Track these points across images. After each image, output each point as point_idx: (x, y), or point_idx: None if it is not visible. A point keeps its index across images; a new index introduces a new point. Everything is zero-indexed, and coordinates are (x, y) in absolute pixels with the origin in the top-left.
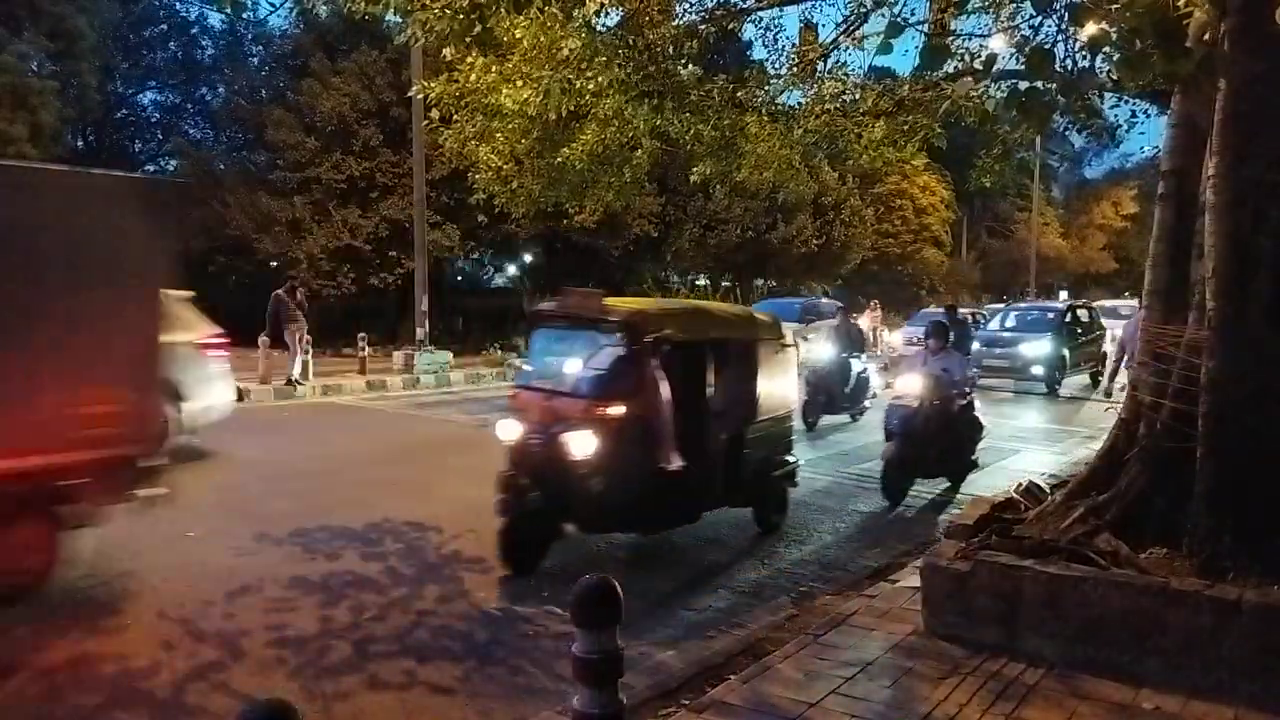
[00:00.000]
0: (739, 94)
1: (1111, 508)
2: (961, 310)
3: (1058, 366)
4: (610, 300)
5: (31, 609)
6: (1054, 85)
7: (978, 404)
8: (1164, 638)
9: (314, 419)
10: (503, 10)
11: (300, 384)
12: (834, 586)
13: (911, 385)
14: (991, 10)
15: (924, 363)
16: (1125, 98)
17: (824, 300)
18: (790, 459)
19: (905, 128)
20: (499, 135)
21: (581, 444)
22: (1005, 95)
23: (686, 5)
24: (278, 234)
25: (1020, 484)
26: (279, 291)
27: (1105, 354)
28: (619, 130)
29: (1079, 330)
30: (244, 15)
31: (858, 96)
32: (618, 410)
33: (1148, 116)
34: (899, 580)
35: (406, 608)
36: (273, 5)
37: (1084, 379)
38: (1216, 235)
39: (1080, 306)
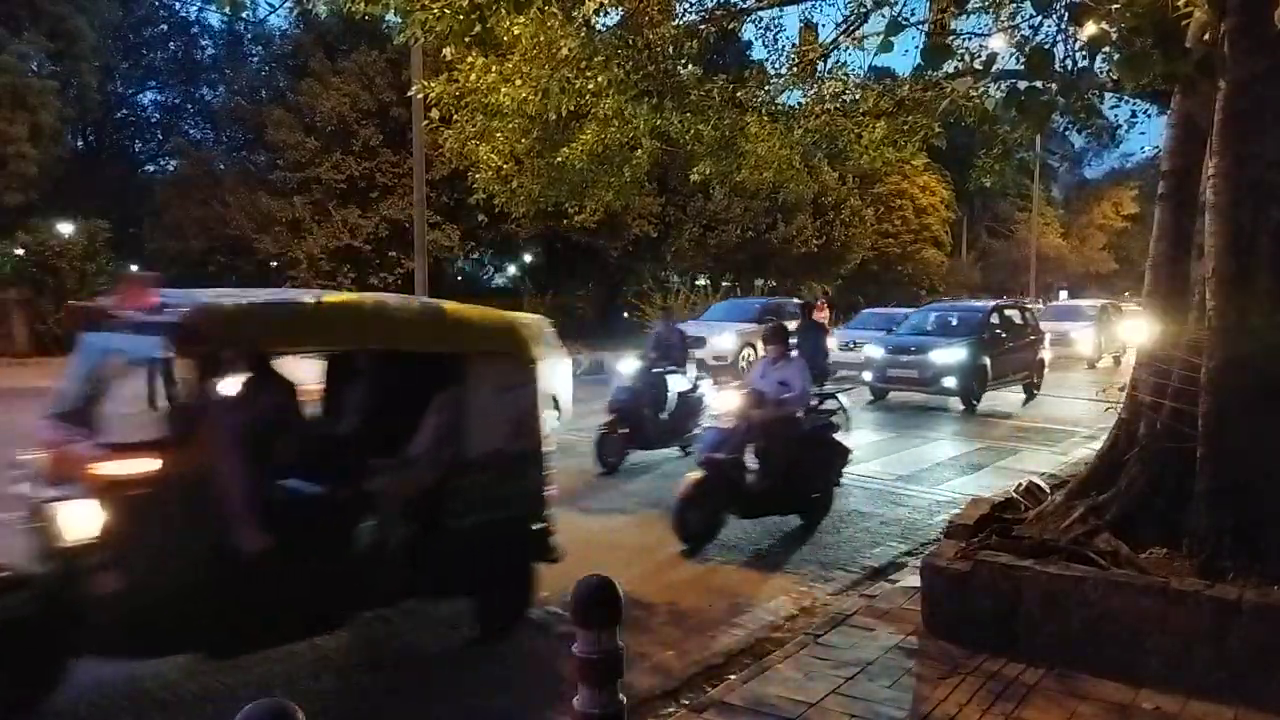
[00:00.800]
0: (739, 94)
1: (1111, 508)
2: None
3: (975, 378)
4: (200, 293)
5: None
6: (1054, 85)
7: (846, 423)
8: (1164, 638)
9: None
10: (503, 10)
11: None
12: (834, 586)
13: (730, 402)
14: (991, 10)
15: (762, 374)
16: (1125, 98)
17: (794, 301)
18: (539, 523)
19: (905, 128)
20: (499, 135)
21: (79, 521)
22: (1005, 95)
23: (686, 5)
24: (278, 234)
25: (1020, 484)
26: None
27: (1042, 361)
28: (619, 130)
29: (1005, 336)
30: (244, 15)
31: (858, 96)
32: (145, 465)
33: (1148, 116)
34: (899, 580)
35: (406, 608)
36: (273, 5)
37: (1015, 394)
38: (1216, 235)
39: (1010, 307)
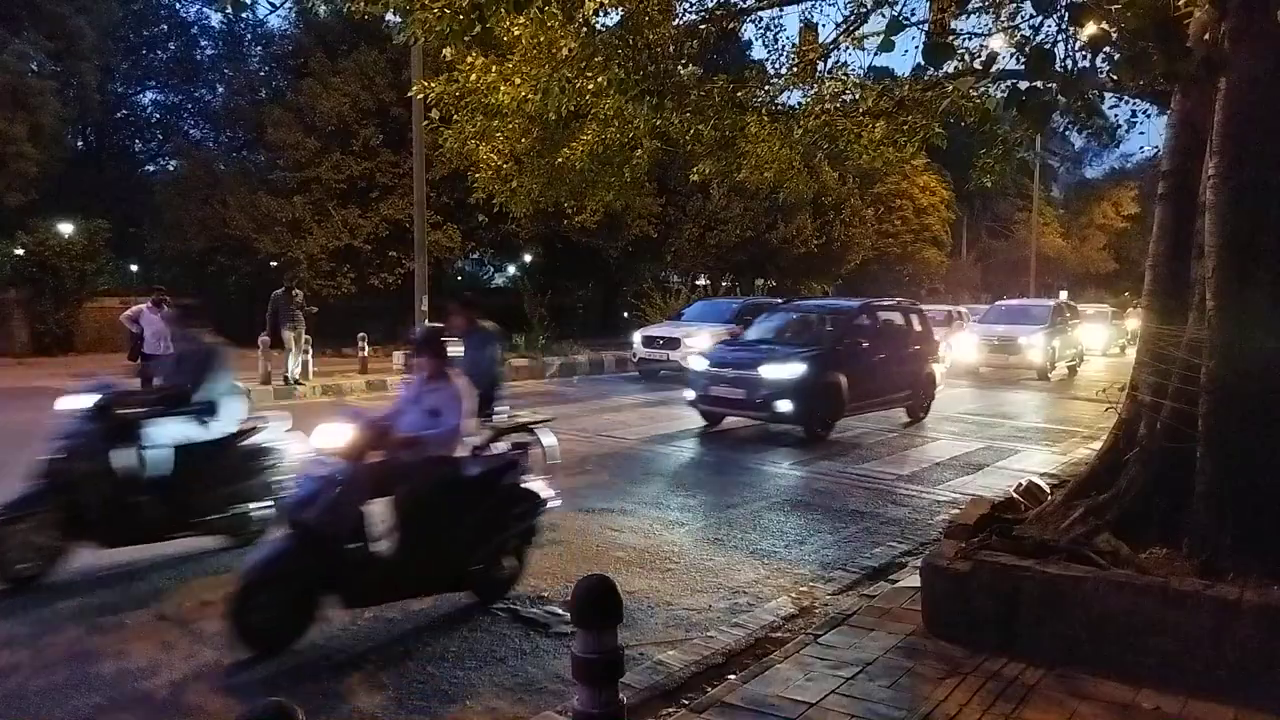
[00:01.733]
0: (739, 94)
1: (1111, 508)
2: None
3: (822, 401)
4: None
5: (32, 609)
6: (1054, 85)
7: (545, 461)
8: (1164, 638)
9: (315, 419)
10: (503, 10)
11: (299, 384)
12: (834, 586)
13: (335, 438)
14: (991, 10)
15: (413, 398)
16: (1125, 98)
17: (778, 301)
18: None
19: (905, 128)
20: (499, 135)
21: None
22: (1005, 95)
23: (686, 5)
24: (278, 234)
25: (1020, 484)
26: (277, 292)
27: (931, 377)
28: (619, 130)
29: (875, 345)
30: (244, 15)
31: (858, 96)
32: None
33: (1148, 116)
34: (899, 580)
35: (406, 608)
36: (273, 5)
37: (893, 418)
38: (1216, 235)
39: (886, 309)
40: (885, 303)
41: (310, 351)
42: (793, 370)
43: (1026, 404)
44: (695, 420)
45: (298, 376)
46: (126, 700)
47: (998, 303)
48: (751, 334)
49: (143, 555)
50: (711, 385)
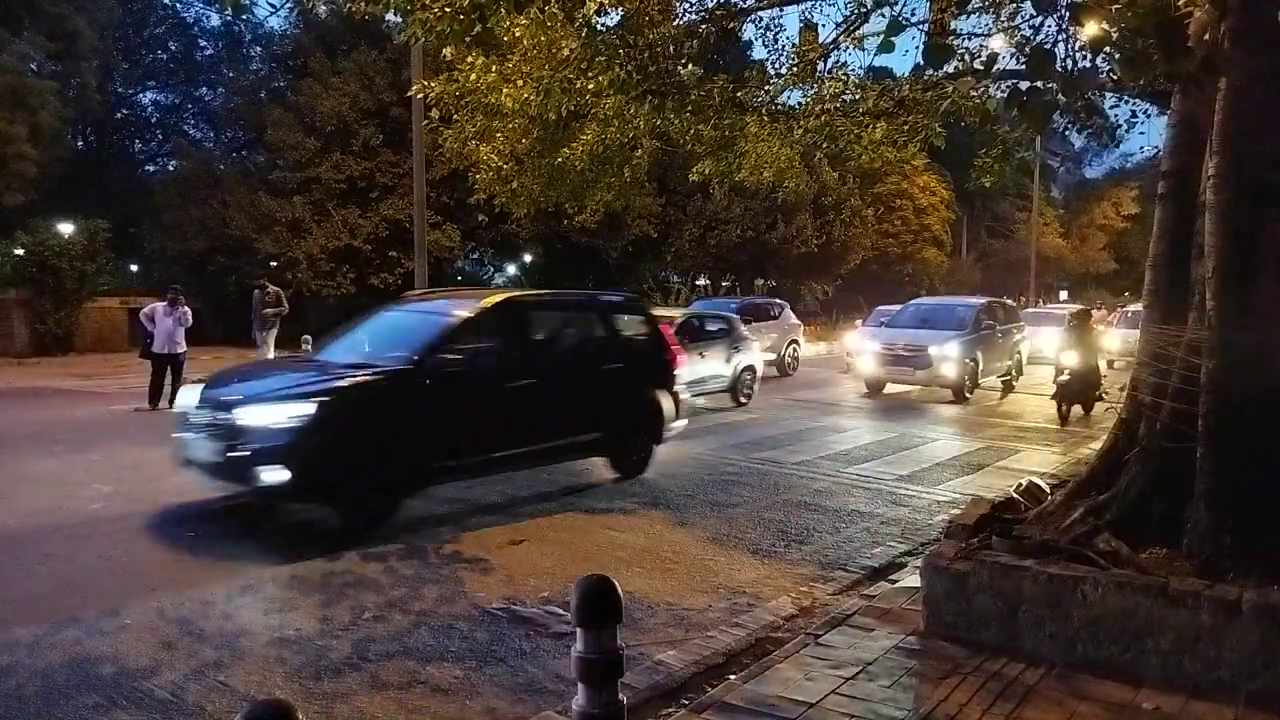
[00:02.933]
0: (739, 94)
1: (1111, 508)
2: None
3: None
4: None
5: (32, 609)
6: (1054, 85)
7: None
8: (1164, 638)
9: None
10: (503, 10)
11: None
12: (834, 586)
13: None
14: (991, 10)
15: None
16: (1125, 98)
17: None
18: None
19: (905, 128)
20: (499, 135)
21: None
22: (1005, 95)
23: (686, 5)
24: (278, 234)
25: (1020, 484)
26: (257, 292)
27: (749, 375)
28: (619, 130)
29: (607, 356)
30: (244, 15)
31: (858, 96)
32: None
33: (1148, 116)
34: (899, 580)
35: (406, 608)
36: (273, 5)
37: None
38: (1216, 235)
39: (536, 305)
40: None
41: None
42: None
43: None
44: (694, 420)
45: None
46: (127, 700)
47: (912, 302)
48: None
49: None
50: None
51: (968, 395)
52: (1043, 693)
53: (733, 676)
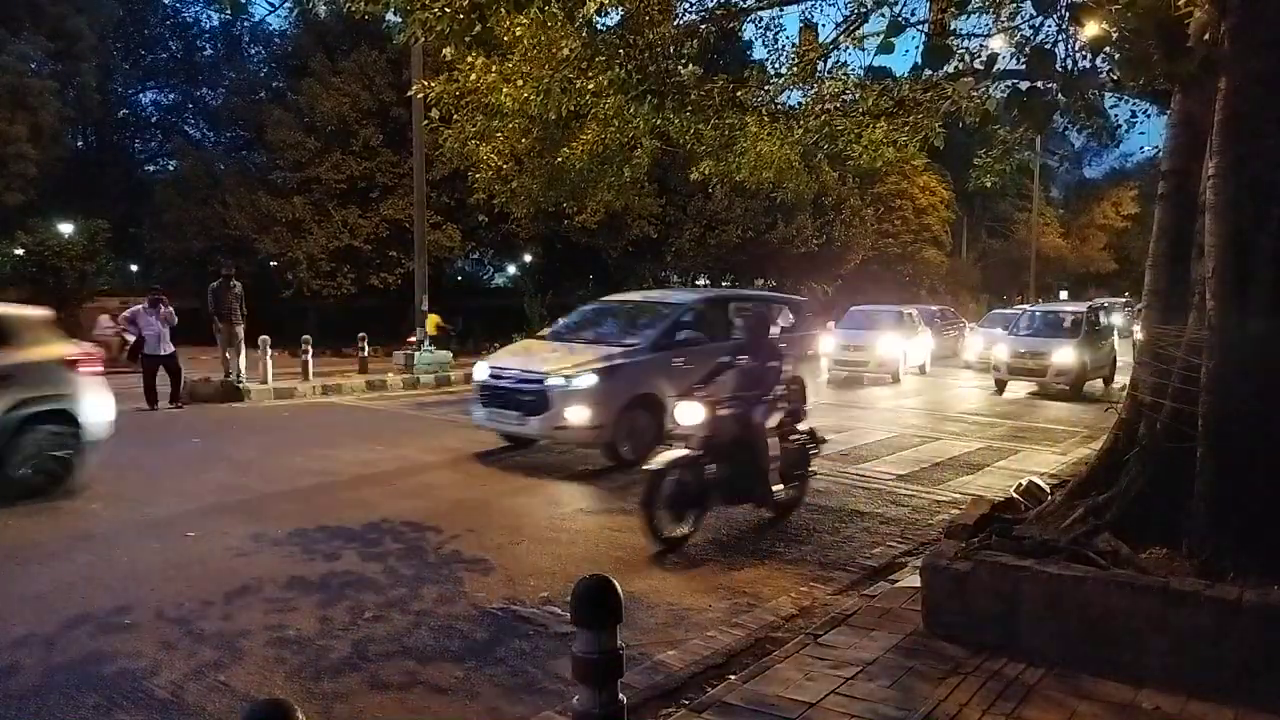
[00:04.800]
0: (739, 94)
1: (1111, 508)
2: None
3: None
4: None
5: (32, 609)
6: (1054, 85)
7: None
8: (1164, 638)
9: (314, 418)
10: (503, 10)
11: (240, 383)
12: (834, 586)
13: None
14: (991, 10)
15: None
16: (1125, 98)
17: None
18: None
19: (905, 128)
20: (499, 135)
21: None
22: (1005, 95)
23: (686, 5)
24: (278, 234)
25: (1020, 484)
26: (214, 284)
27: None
28: (619, 130)
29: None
30: (244, 15)
31: (858, 96)
32: None
33: (1148, 116)
34: (899, 580)
35: (406, 608)
36: (273, 5)
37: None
38: (1216, 235)
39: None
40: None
41: (314, 352)
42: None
43: None
44: None
45: (244, 373)
46: (127, 700)
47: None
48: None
49: None
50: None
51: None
52: (1043, 693)
53: (733, 676)
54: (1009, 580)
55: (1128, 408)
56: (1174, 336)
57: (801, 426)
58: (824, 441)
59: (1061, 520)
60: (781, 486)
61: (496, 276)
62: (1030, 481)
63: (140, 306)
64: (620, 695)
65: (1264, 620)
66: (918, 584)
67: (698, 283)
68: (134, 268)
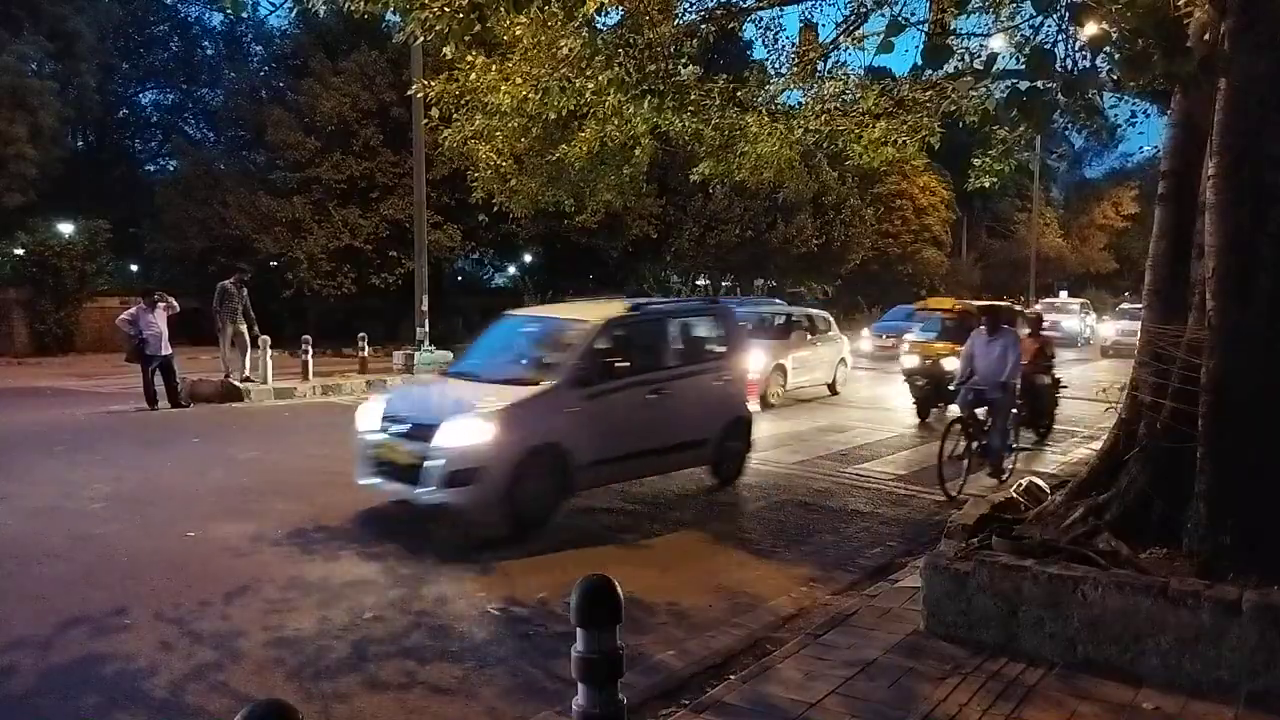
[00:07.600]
0: (739, 94)
1: (1111, 508)
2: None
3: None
4: None
5: (32, 609)
6: (1054, 85)
7: None
8: (1164, 638)
9: (314, 418)
10: (503, 9)
11: (250, 381)
12: (834, 586)
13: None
14: (991, 10)
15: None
16: (1125, 98)
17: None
18: None
19: (905, 128)
20: (499, 134)
21: None
22: (1005, 95)
23: (686, 5)
24: (278, 234)
25: (1020, 484)
26: (224, 283)
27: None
28: (619, 129)
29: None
30: (244, 15)
31: (858, 96)
32: None
33: (1147, 116)
34: (899, 580)
35: (405, 608)
36: (273, 5)
37: None
38: (1216, 235)
39: None
40: None
41: (308, 352)
42: None
43: None
44: None
45: (249, 374)
46: (127, 700)
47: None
48: None
49: None
50: None
51: None
52: (1043, 693)
53: (733, 676)
54: (1009, 580)
55: (1128, 408)
56: (1174, 336)
57: None
58: None
59: (1062, 520)
60: None
61: (496, 276)
62: (1030, 481)
63: (140, 306)
64: (620, 695)
65: (1264, 620)
66: (918, 584)
67: (698, 283)
68: (134, 268)
